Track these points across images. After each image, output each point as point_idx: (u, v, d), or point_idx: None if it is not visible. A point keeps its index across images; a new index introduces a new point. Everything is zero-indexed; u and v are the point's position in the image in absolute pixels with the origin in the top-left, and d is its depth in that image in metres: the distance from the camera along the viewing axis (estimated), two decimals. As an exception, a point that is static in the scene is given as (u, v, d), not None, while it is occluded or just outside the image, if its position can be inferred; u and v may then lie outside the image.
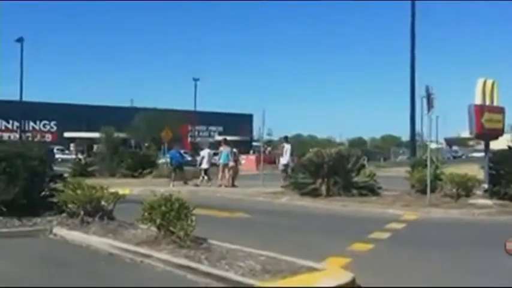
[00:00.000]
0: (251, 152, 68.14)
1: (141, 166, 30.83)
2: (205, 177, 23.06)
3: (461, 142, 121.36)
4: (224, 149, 23.20)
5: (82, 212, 10.14)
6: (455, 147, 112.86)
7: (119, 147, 32.94)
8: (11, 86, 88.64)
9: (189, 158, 61.16)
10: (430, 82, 14.82)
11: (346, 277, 6.61)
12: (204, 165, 23.44)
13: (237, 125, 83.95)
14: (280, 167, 20.74)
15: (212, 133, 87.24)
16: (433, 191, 15.75)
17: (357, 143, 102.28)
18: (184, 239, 8.17)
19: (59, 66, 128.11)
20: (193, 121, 73.21)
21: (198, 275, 7.05)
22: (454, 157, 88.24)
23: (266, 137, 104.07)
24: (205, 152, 24.48)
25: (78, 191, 10.24)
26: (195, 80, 68.60)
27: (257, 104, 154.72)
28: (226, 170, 22.42)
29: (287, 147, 21.19)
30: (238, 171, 23.60)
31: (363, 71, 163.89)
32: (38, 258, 8.38)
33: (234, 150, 23.24)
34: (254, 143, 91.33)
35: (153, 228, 9.17)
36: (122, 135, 45.01)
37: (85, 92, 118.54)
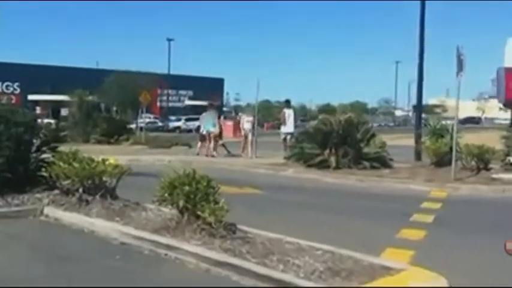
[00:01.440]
0: (222, 118, 66.49)
1: (117, 132, 29.07)
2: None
3: (428, 109, 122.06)
4: (209, 114, 21.38)
5: (80, 189, 8.58)
6: (423, 115, 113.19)
7: (93, 112, 31.01)
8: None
9: (160, 124, 59.78)
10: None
11: (438, 281, 5.32)
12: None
13: (208, 89, 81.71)
14: (282, 136, 18.50)
15: (182, 97, 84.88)
16: (449, 163, 14.64)
17: (327, 109, 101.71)
18: (216, 226, 6.75)
19: (20, 24, 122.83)
20: (162, 84, 70.77)
21: (244, 276, 5.66)
22: (424, 125, 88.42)
23: (234, 103, 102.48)
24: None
25: (75, 164, 8.65)
26: (169, 40, 66.09)
27: (228, 68, 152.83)
28: (209, 138, 20.56)
29: (289, 112, 18.66)
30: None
31: (333, 35, 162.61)
32: (31, 248, 6.83)
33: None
34: (224, 109, 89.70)
35: (166, 209, 7.80)
36: (91, 98, 42.75)
37: (48, 52, 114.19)
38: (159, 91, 74.35)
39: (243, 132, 19.92)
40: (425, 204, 10.21)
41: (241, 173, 14.70)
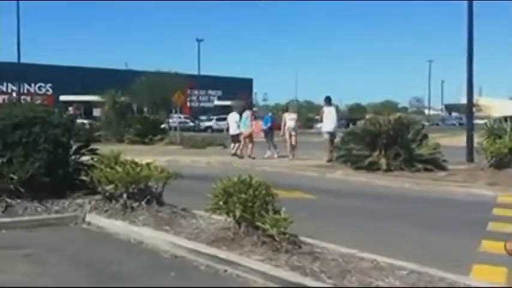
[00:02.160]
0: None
1: (151, 132, 28.60)
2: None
3: (461, 108, 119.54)
4: (244, 114, 20.33)
5: (125, 195, 7.90)
6: (455, 114, 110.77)
7: (126, 112, 30.62)
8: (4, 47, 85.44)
9: (192, 124, 59.38)
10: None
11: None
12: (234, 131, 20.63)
13: (236, 89, 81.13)
14: (325, 136, 16.72)
15: (211, 97, 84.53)
16: (508, 165, 13.66)
17: (357, 109, 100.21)
18: (280, 239, 5.99)
19: (51, 26, 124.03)
20: (192, 85, 70.39)
21: (322, 300, 4.89)
22: (460, 124, 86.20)
23: (262, 102, 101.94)
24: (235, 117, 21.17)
25: (118, 168, 7.99)
26: (199, 41, 65.67)
27: (255, 69, 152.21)
28: (245, 139, 19.59)
29: (328, 110, 17.01)
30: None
31: (362, 34, 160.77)
32: (74, 263, 6.12)
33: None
34: (254, 109, 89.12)
35: (218, 217, 7.08)
36: (123, 98, 42.48)
37: (79, 54, 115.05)
38: (188, 91, 74.27)
39: (286, 132, 18.45)
40: (497, 211, 9.29)
41: (286, 175, 13.91)
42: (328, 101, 17.43)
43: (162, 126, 31.65)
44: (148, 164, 8.13)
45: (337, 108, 18.67)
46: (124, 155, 9.09)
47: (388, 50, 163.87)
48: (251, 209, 6.31)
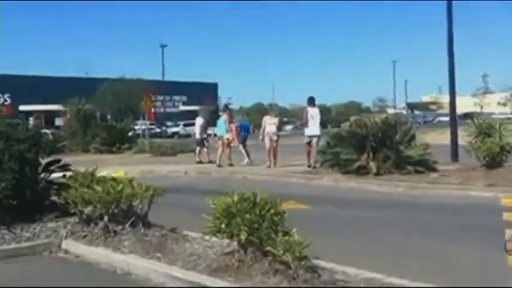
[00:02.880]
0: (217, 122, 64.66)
1: (118, 140, 27.44)
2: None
3: (423, 106, 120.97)
4: (222, 118, 19.23)
5: (106, 218, 6.95)
6: (417, 112, 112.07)
7: (91, 121, 29.38)
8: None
9: (158, 130, 58.07)
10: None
11: None
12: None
13: (202, 94, 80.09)
14: (306, 139, 15.59)
15: (176, 103, 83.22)
16: (499, 165, 13.14)
17: (322, 110, 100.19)
18: (295, 267, 5.16)
19: (6, 35, 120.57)
20: (155, 90, 69.00)
21: None
22: (425, 122, 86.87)
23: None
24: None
25: (96, 187, 7.03)
26: (163, 46, 64.47)
27: (219, 73, 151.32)
28: (223, 144, 18.42)
29: (313, 112, 15.78)
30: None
31: (326, 36, 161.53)
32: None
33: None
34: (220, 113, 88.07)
35: (214, 239, 6.23)
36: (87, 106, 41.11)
37: (37, 62, 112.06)
38: (153, 97, 72.74)
39: (266, 137, 16.84)
40: (508, 216, 8.65)
41: (271, 183, 13.06)
42: (311, 101, 16.16)
43: (129, 134, 30.44)
44: (130, 181, 7.20)
45: (321, 110, 17.02)
46: (92, 167, 8.17)
47: (351, 51, 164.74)
48: (258, 231, 5.47)
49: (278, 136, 17.10)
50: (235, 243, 5.85)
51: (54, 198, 8.06)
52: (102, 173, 8.74)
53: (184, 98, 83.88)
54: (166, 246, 6.55)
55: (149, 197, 6.98)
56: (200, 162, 19.30)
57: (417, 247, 6.97)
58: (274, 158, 16.83)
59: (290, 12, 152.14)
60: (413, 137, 13.63)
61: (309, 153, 15.50)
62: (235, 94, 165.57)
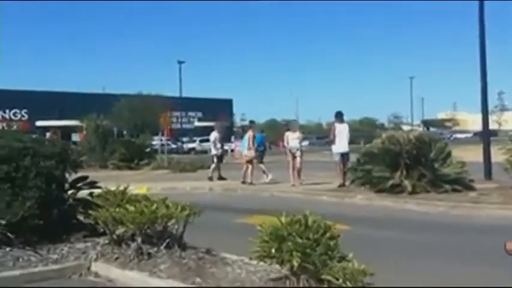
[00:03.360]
0: (232, 138, 64.36)
1: (137, 156, 27.08)
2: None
3: (438, 123, 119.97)
4: (247, 134, 18.51)
5: (139, 239, 6.48)
6: (432, 129, 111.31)
7: (109, 136, 29.09)
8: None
9: (174, 146, 57.81)
10: None
11: None
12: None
13: (217, 110, 79.98)
14: (336, 158, 14.68)
15: (191, 119, 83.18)
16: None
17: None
18: (357, 297, 4.65)
19: (23, 50, 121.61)
20: (172, 107, 69.00)
21: None
22: (442, 138, 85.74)
23: (240, 123, 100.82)
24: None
25: (129, 206, 6.57)
26: (180, 62, 64.44)
27: (233, 90, 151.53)
28: (245, 163, 17.64)
29: (341, 128, 14.96)
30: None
31: (341, 52, 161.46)
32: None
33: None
34: (234, 129, 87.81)
35: (254, 262, 5.75)
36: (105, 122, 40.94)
37: (54, 78, 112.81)
38: (168, 113, 72.66)
39: (289, 154, 16.15)
40: None
41: (301, 202, 12.56)
42: (339, 117, 15.22)
43: (147, 149, 30.08)
44: (164, 200, 6.73)
45: (350, 125, 16.04)
46: (123, 185, 7.73)
47: (366, 67, 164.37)
48: (311, 257, 4.97)
49: (302, 152, 16.26)
50: (282, 269, 5.39)
51: (81, 217, 7.61)
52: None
53: (199, 114, 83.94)
54: (205, 270, 6.06)
55: (185, 217, 6.50)
56: (211, 178, 18.81)
57: (475, 276, 6.39)
58: (299, 175, 16.05)
59: (303, 29, 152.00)
60: (449, 155, 13.06)
61: (342, 171, 14.64)
62: (249, 110, 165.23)
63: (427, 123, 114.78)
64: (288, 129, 17.45)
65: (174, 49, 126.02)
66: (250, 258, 5.50)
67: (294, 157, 16.01)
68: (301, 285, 5.03)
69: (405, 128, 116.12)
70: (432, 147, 12.98)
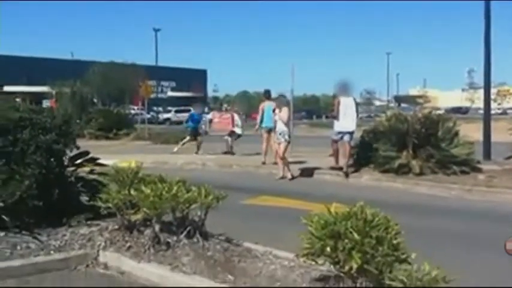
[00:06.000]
0: (206, 109, 63.18)
1: (116, 126, 26.07)
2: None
3: (410, 100, 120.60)
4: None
5: (157, 226, 5.73)
6: (404, 105, 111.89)
7: (86, 104, 27.95)
8: None
9: (148, 116, 56.53)
10: None
11: None
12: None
13: (191, 80, 78.62)
14: (336, 136, 12.44)
15: (165, 89, 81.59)
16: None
17: (310, 100, 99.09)
18: (430, 305, 4.00)
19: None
20: (146, 76, 67.33)
21: None
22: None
23: (212, 94, 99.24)
24: None
25: (145, 189, 5.78)
26: (156, 30, 62.76)
27: (206, 59, 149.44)
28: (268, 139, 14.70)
29: (346, 102, 12.52)
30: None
31: (318, 26, 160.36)
32: None
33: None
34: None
35: (286, 255, 5.13)
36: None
37: (20, 43, 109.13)
38: (139, 83, 70.76)
39: (273, 138, 13.25)
40: None
41: (301, 181, 11.94)
42: (344, 89, 12.83)
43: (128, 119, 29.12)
44: (184, 182, 5.97)
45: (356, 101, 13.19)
46: (136, 162, 6.93)
47: (343, 42, 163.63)
48: (373, 257, 4.31)
49: (290, 138, 12.79)
50: (322, 267, 4.76)
51: (85, 198, 6.83)
52: (107, 162, 7.62)
53: (173, 84, 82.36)
54: (234, 265, 5.37)
55: (209, 202, 5.76)
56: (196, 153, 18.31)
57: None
58: (286, 165, 12.84)
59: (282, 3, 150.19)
60: (456, 135, 12.51)
61: (337, 153, 12.68)
62: (223, 82, 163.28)
63: (398, 99, 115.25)
64: (266, 99, 15.29)
65: (149, 17, 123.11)
66: (297, 256, 4.80)
67: (279, 143, 12.72)
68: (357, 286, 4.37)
69: (377, 103, 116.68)
70: (439, 127, 12.40)
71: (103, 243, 5.97)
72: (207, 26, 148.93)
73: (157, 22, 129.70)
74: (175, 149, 18.58)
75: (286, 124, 12.63)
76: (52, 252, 5.85)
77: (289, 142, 12.70)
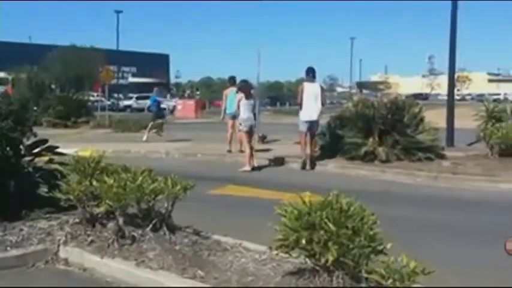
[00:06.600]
0: (168, 96, 62.38)
1: (75, 114, 25.35)
2: None
3: (371, 86, 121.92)
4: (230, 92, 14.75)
5: (121, 219, 5.45)
6: (366, 91, 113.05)
7: (44, 91, 27.10)
8: None
9: (108, 102, 55.44)
10: None
11: None
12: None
13: (152, 65, 77.38)
14: (301, 127, 11.99)
15: (126, 74, 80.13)
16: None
17: (275, 86, 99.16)
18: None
19: None
20: (107, 60, 65.96)
21: None
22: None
23: (174, 80, 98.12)
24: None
25: (107, 179, 5.48)
26: (118, 12, 61.36)
27: (168, 44, 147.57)
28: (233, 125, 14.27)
29: (312, 89, 11.98)
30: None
31: (282, 13, 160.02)
32: None
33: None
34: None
35: (257, 247, 4.95)
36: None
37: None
38: (100, 68, 69.16)
39: (242, 127, 12.21)
40: None
41: (267, 170, 11.76)
42: (310, 74, 12.22)
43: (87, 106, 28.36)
44: (150, 172, 5.69)
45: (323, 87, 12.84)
46: (98, 151, 6.61)
47: (307, 28, 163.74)
48: (349, 249, 4.14)
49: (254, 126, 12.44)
50: (295, 259, 4.58)
51: (43, 189, 6.48)
52: (66, 151, 7.29)
53: (133, 70, 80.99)
54: (203, 259, 5.14)
55: (176, 193, 5.50)
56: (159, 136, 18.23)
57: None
58: (252, 156, 12.13)
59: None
60: (421, 121, 12.50)
61: (305, 144, 11.99)
62: (185, 67, 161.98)
63: (360, 86, 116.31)
64: (231, 86, 14.87)
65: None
66: (270, 248, 4.60)
67: (249, 133, 12.19)
68: (334, 285, 4.19)
69: (339, 89, 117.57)
70: (405, 112, 12.36)
71: (63, 238, 5.65)
72: (170, 10, 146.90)
73: (119, 5, 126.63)
74: (145, 138, 18.05)
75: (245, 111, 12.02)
76: (9, 248, 5.50)
77: (248, 132, 12.01)
